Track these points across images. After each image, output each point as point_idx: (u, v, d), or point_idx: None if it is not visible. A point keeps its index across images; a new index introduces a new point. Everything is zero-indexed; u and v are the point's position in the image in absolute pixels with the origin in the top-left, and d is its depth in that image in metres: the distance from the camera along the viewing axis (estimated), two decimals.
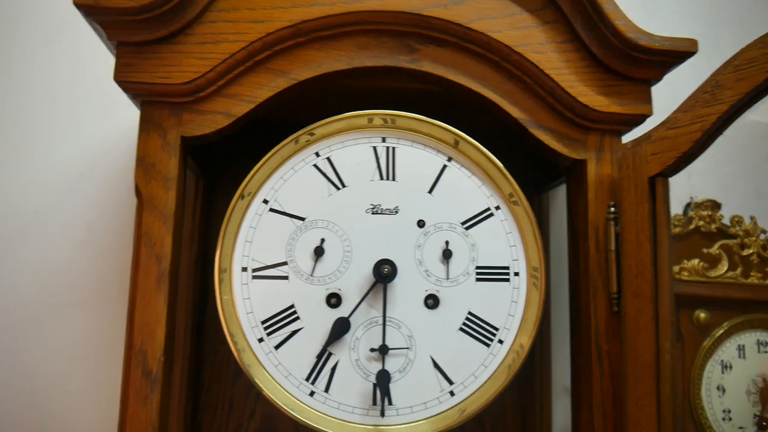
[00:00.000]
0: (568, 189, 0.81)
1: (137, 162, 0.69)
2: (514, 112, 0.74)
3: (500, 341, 0.73)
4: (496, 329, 0.73)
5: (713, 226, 0.97)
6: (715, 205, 0.98)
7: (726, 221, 0.98)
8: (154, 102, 0.70)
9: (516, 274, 0.75)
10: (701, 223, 0.97)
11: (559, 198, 0.98)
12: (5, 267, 0.94)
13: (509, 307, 0.74)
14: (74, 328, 0.91)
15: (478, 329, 0.73)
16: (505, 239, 0.75)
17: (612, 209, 0.73)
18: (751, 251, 0.92)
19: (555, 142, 0.75)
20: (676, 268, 0.90)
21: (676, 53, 0.72)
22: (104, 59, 0.97)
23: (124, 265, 0.92)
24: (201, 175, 0.90)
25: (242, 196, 0.72)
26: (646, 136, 0.70)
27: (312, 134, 0.74)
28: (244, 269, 0.72)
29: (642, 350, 0.66)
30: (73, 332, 0.91)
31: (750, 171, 1.08)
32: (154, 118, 0.70)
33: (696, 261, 0.90)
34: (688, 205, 1.00)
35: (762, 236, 0.93)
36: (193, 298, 0.88)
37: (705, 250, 0.91)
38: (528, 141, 0.77)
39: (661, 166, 0.67)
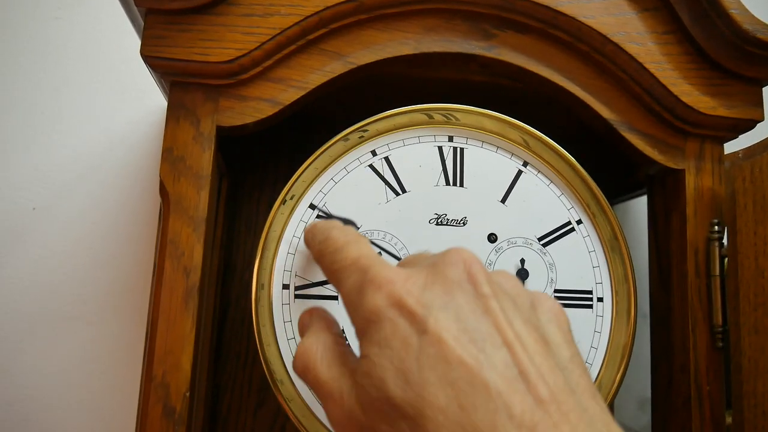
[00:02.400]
0: (651, 203, 0.70)
1: (163, 155, 0.57)
2: (604, 111, 0.64)
3: None
4: None
5: None
6: None
7: None
8: (186, 84, 0.58)
9: (600, 299, 0.64)
10: None
11: (628, 213, 0.88)
12: None
13: (592, 338, 0.63)
14: (73, 345, 0.79)
15: None
16: (587, 258, 0.65)
17: (716, 228, 0.62)
18: None
19: (650, 148, 0.64)
20: None
21: None
22: (117, 41, 0.86)
23: (131, 273, 0.80)
24: (226, 175, 0.79)
25: (285, 200, 0.61)
26: (764, 145, 0.60)
27: (365, 131, 0.63)
28: (286, 287, 0.60)
29: (763, 396, 0.56)
30: (72, 349, 0.79)
31: None
32: (186, 102, 0.58)
33: None
34: None
35: None
36: (212, 314, 0.77)
37: None
38: (615, 146, 0.66)
39: None
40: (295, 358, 0.44)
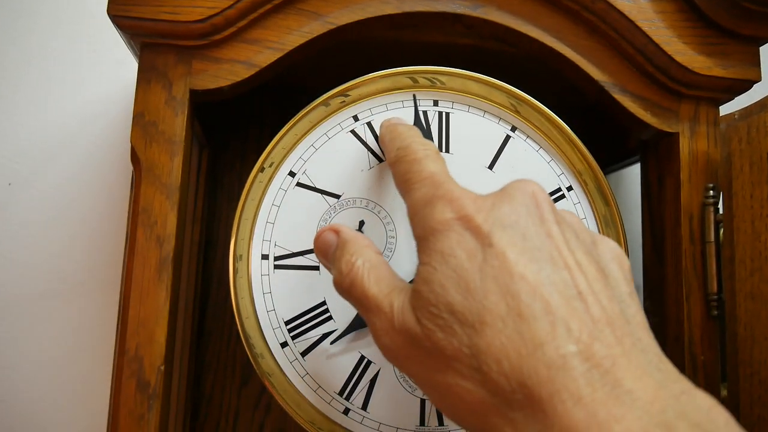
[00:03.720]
0: (645, 169, 0.68)
1: (134, 120, 0.55)
2: (595, 73, 0.61)
3: None
4: None
5: None
6: None
7: None
8: (157, 45, 0.56)
9: None
10: None
11: (621, 183, 0.86)
12: None
13: None
14: (50, 326, 0.77)
15: None
16: None
17: (711, 192, 0.60)
18: None
19: (642, 110, 0.62)
20: None
21: None
22: (91, 10, 0.83)
23: (112, 248, 0.77)
24: (206, 146, 0.76)
25: (263, 168, 0.59)
26: (761, 105, 0.57)
27: (346, 95, 0.61)
28: (265, 257, 0.58)
29: (759, 365, 0.54)
30: (50, 330, 0.77)
31: None
32: (158, 65, 0.56)
33: None
34: None
35: None
36: (195, 291, 0.74)
37: None
38: (607, 110, 0.64)
39: None
40: (339, 275, 0.44)
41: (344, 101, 0.61)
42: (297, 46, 0.57)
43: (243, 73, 0.56)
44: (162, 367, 0.52)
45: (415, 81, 0.62)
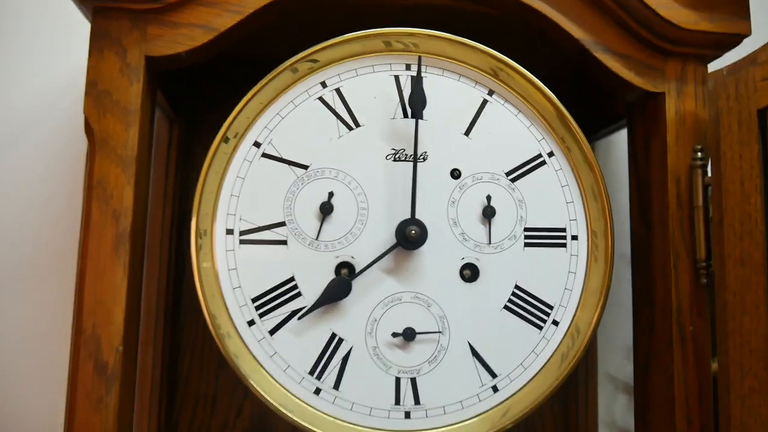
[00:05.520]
0: (631, 132, 0.65)
1: (87, 89, 0.52)
2: (576, 31, 0.58)
3: (555, 322, 0.58)
4: (550, 307, 0.58)
5: None
6: None
7: None
8: (110, 10, 0.53)
9: (574, 237, 0.59)
10: None
11: (609, 148, 0.82)
12: None
13: (566, 280, 0.59)
14: (17, 309, 0.74)
15: (528, 307, 0.58)
16: (560, 194, 0.59)
17: (699, 154, 0.57)
18: None
19: (626, 69, 0.59)
20: None
21: None
22: None
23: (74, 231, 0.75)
24: (176, 120, 0.73)
25: (226, 139, 0.56)
26: (751, 59, 0.54)
27: (315, 61, 0.58)
28: (230, 231, 0.55)
29: (750, 334, 0.51)
30: (15, 314, 0.74)
31: None
32: (110, 31, 0.53)
33: None
34: None
35: None
36: (168, 270, 0.72)
37: None
38: (590, 72, 0.61)
39: None
40: None
41: (312, 67, 0.58)
42: (258, 7, 0.54)
43: (201, 37, 0.53)
44: (120, 348, 0.50)
45: (388, 44, 0.59)
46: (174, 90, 0.69)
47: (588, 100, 0.71)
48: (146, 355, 0.71)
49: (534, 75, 0.59)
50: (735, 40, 0.58)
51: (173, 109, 0.71)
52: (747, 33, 0.58)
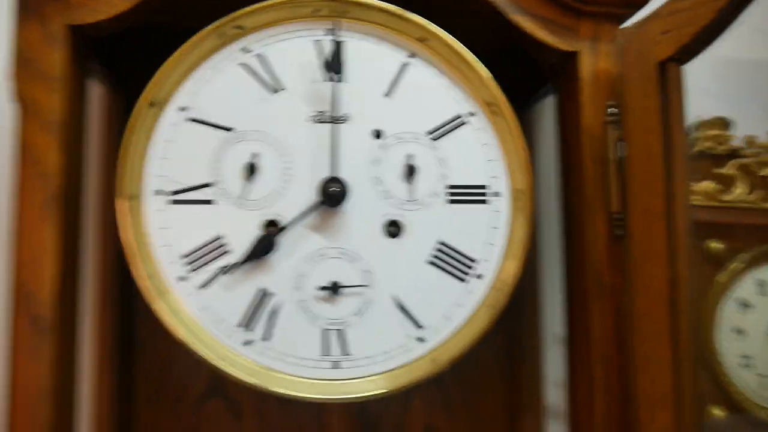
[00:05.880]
0: (556, 93, 0.67)
1: (14, 59, 0.54)
2: None
3: (478, 276, 0.60)
4: (473, 261, 0.60)
5: (722, 148, 0.83)
6: (725, 124, 0.85)
7: (738, 142, 0.85)
8: None
9: (496, 194, 0.61)
10: (708, 144, 0.83)
11: (546, 112, 0.84)
12: None
13: (488, 235, 0.61)
14: None
15: (452, 261, 0.60)
16: (481, 152, 0.62)
17: (610, 110, 0.59)
18: None
19: (540, 30, 0.60)
20: None
21: None
22: None
23: None
24: (123, 93, 0.75)
25: (151, 104, 0.58)
26: (654, 14, 0.56)
27: (240, 27, 0.60)
28: (159, 192, 0.58)
29: (653, 279, 0.54)
30: None
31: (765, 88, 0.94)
32: (33, 1, 0.55)
33: (707, 183, 0.77)
34: (693, 126, 0.86)
35: None
36: (115, 236, 0.74)
37: (716, 170, 0.77)
38: (509, 35, 0.62)
39: (675, 46, 0.53)
40: None
41: (238, 33, 0.60)
42: None
43: (121, 5, 0.55)
44: (55, 302, 0.52)
45: (317, 11, 0.61)
46: (122, 64, 0.70)
47: (522, 64, 0.73)
48: (103, 319, 0.73)
49: (471, 40, 0.60)
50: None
51: (122, 84, 0.73)
52: None
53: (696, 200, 0.76)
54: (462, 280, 0.60)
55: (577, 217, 0.61)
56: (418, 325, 0.59)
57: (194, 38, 0.58)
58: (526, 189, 0.61)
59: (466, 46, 0.61)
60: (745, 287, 0.76)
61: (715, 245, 0.75)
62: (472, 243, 0.60)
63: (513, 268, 0.60)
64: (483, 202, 0.61)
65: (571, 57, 0.61)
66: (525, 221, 0.60)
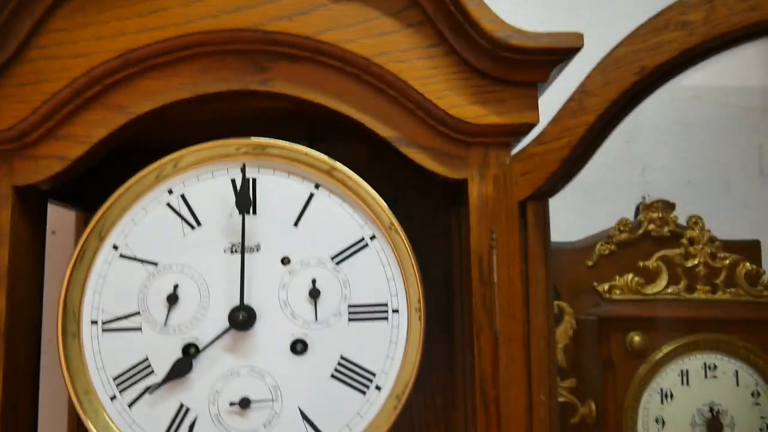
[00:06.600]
0: (458, 211, 0.72)
1: None
2: (381, 129, 0.66)
3: (378, 387, 0.66)
4: (373, 374, 0.66)
5: (666, 229, 0.85)
6: (668, 206, 0.86)
7: (683, 221, 0.87)
8: None
9: (395, 311, 0.67)
10: (652, 226, 0.85)
11: None
12: None
13: (387, 349, 0.66)
14: None
15: (353, 375, 0.66)
16: (382, 272, 0.67)
17: (494, 236, 0.63)
18: (696, 261, 0.80)
19: (430, 160, 0.65)
20: (605, 286, 0.79)
21: (558, 51, 0.61)
22: None
23: None
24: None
25: (90, 240, 0.67)
26: (515, 156, 0.60)
27: (175, 166, 0.68)
28: (94, 322, 0.67)
29: (514, 403, 0.58)
30: None
31: (719, 159, 0.94)
32: None
33: (630, 276, 0.79)
34: (637, 207, 0.88)
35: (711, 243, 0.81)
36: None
37: (641, 264, 0.79)
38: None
39: (532, 187, 0.58)
40: None
41: (171, 172, 0.68)
42: (104, 137, 0.65)
43: (56, 167, 0.65)
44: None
45: (238, 149, 0.68)
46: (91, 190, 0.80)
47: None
48: None
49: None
50: (523, 128, 0.63)
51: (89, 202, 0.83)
52: (535, 122, 0.63)
53: (618, 295, 0.78)
54: (363, 392, 0.66)
55: (468, 334, 0.65)
56: None
57: (135, 177, 0.67)
58: (421, 305, 0.66)
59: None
60: (668, 378, 0.77)
61: (638, 338, 0.77)
62: (372, 357, 0.66)
63: (409, 378, 0.65)
64: (383, 318, 0.67)
65: (462, 182, 0.66)
66: (420, 335, 0.66)
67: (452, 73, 0.64)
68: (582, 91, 0.54)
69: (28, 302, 0.68)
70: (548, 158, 0.56)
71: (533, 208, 0.57)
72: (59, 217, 0.89)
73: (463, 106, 0.64)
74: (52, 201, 0.75)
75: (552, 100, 0.65)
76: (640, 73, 0.50)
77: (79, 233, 0.85)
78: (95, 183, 0.73)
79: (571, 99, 0.55)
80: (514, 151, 0.65)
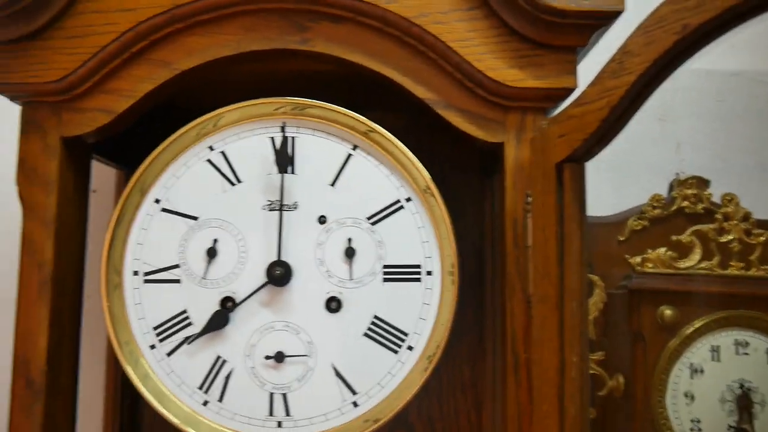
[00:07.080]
0: (492, 177, 0.72)
1: (18, 166, 0.67)
2: (420, 91, 0.66)
3: (410, 347, 0.67)
4: (405, 334, 0.67)
5: (700, 206, 0.85)
6: (702, 182, 0.86)
7: (717, 200, 0.86)
8: (34, 102, 0.67)
9: (429, 273, 0.68)
10: (685, 203, 0.85)
11: None
12: None
13: (420, 310, 0.67)
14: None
15: (385, 334, 0.67)
16: (417, 234, 0.68)
17: (529, 199, 0.64)
18: (730, 237, 0.79)
19: (467, 123, 0.66)
20: (638, 259, 0.79)
21: (599, 14, 0.61)
22: None
23: None
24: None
25: (136, 193, 0.69)
26: (554, 118, 0.60)
27: (215, 125, 0.69)
28: (136, 273, 0.68)
29: (547, 364, 0.58)
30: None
31: (754, 138, 0.93)
32: (36, 118, 0.67)
33: (662, 250, 0.79)
34: (671, 184, 0.88)
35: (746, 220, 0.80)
36: None
37: (674, 238, 0.79)
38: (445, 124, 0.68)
39: (569, 149, 0.58)
40: None
41: (211, 129, 0.69)
42: (149, 91, 0.66)
43: (102, 119, 0.66)
44: (45, 369, 0.64)
45: (277, 109, 0.70)
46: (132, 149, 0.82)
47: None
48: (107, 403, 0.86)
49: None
50: (561, 93, 0.64)
51: (126, 162, 0.85)
52: (573, 87, 0.64)
53: (650, 268, 0.78)
54: (395, 351, 0.67)
55: (501, 296, 0.66)
56: (353, 392, 0.66)
57: (176, 133, 0.68)
58: (455, 269, 0.66)
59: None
60: (698, 353, 0.77)
61: (669, 312, 0.76)
62: (405, 318, 0.67)
63: (441, 340, 0.66)
64: (417, 280, 0.67)
65: (499, 146, 0.66)
66: (453, 298, 0.66)
67: (492, 35, 0.65)
68: (623, 52, 0.54)
69: (73, 251, 0.70)
70: (587, 119, 0.56)
71: (570, 170, 0.58)
72: (100, 176, 0.90)
73: (501, 69, 0.64)
74: (96, 157, 0.77)
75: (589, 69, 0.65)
76: (682, 32, 0.50)
77: (119, 192, 0.87)
78: (137, 142, 0.75)
79: (612, 60, 0.55)
80: (551, 115, 0.65)
